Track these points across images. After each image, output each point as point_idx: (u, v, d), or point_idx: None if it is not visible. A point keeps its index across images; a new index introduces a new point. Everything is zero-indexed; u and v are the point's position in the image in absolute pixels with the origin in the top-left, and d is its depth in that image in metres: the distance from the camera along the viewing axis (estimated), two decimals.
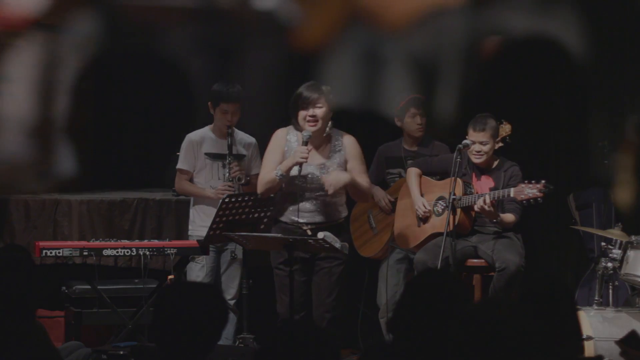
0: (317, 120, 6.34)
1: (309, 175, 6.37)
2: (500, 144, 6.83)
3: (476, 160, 6.74)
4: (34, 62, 7.87)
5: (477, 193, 6.66)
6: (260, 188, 6.47)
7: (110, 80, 8.58)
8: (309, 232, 6.36)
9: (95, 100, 8.58)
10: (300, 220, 6.39)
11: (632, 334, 3.97)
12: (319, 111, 6.35)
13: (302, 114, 6.36)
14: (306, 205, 6.39)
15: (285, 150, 6.43)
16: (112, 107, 8.74)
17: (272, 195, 6.47)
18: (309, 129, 6.34)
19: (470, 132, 6.72)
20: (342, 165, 6.45)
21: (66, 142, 8.21)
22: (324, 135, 6.44)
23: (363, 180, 6.48)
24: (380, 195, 7.32)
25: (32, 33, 7.92)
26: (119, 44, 8.12)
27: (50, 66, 8.00)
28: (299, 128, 6.41)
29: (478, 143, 6.69)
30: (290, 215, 6.40)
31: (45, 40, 7.97)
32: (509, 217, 6.69)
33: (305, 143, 6.32)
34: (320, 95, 6.35)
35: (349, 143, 6.48)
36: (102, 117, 8.39)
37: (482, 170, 6.81)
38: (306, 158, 6.27)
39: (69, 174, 8.17)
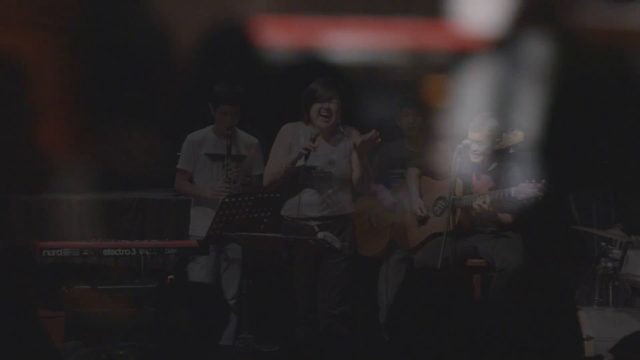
0: (330, 115, 6.40)
1: (316, 169, 6.40)
2: (512, 151, 6.82)
3: (473, 159, 6.74)
4: (486, 83, 7.72)
5: (477, 193, 6.66)
6: (265, 180, 6.56)
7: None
8: (316, 229, 6.37)
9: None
10: (307, 215, 6.40)
11: (623, 340, 3.96)
12: (334, 106, 6.41)
13: (316, 106, 6.39)
14: (313, 198, 6.41)
15: (292, 145, 6.47)
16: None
17: (277, 194, 6.50)
18: (321, 124, 6.38)
19: (470, 131, 6.73)
20: (348, 157, 6.47)
21: None
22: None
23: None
24: (385, 194, 7.31)
25: (486, 54, 7.80)
26: (577, 68, 7.70)
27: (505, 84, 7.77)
28: (308, 122, 6.44)
29: (475, 142, 6.70)
30: (296, 209, 6.41)
31: (498, 60, 7.82)
32: (508, 217, 6.69)
33: (313, 140, 6.36)
34: (337, 92, 6.42)
35: (354, 135, 6.52)
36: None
37: (483, 170, 6.81)
38: (309, 150, 6.30)
39: None
